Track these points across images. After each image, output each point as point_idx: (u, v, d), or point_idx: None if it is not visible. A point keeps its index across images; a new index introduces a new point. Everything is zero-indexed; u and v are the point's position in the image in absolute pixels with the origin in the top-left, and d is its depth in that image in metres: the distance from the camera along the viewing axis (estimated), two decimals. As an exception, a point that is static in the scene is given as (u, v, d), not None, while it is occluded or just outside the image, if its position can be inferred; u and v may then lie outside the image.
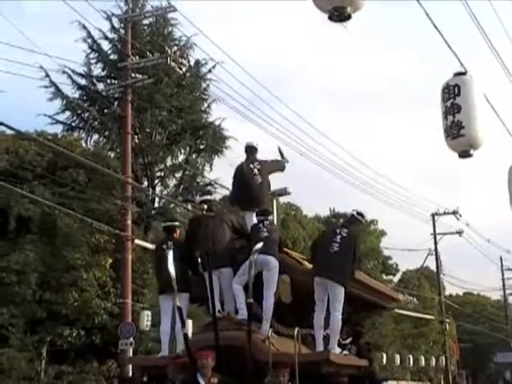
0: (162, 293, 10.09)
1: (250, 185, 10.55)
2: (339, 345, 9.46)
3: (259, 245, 9.00)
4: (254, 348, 8.63)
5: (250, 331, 8.63)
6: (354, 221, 9.94)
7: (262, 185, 10.63)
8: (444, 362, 41.19)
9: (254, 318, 8.91)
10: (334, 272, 9.09)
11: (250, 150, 11.00)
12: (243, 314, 9.16)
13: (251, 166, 10.68)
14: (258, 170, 10.63)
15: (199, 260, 9.28)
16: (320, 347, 9.12)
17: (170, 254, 9.16)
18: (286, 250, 10.40)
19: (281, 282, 9.47)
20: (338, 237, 9.33)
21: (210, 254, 9.07)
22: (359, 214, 9.91)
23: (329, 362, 8.57)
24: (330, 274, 9.09)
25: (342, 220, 10.28)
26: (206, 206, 10.03)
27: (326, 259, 9.22)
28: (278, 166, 11.36)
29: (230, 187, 11.66)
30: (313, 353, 9.07)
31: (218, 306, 9.25)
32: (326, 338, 9.25)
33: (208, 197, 11.42)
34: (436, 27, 7.93)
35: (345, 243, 9.30)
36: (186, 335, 9.11)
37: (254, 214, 10.18)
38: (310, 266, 9.95)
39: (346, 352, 9.86)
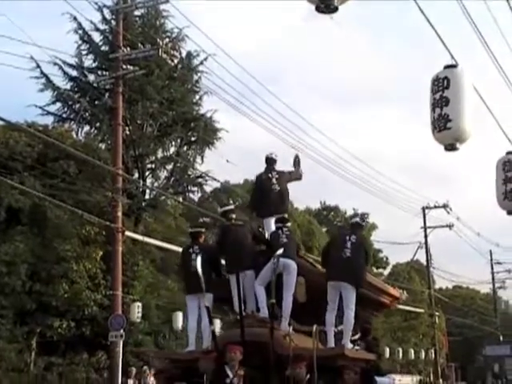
0: (188, 293, 10.68)
1: (269, 193, 11.34)
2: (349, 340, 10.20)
3: (280, 250, 9.85)
4: (275, 343, 9.41)
5: (272, 328, 9.43)
6: (358, 227, 10.89)
7: (280, 193, 11.40)
8: (433, 355, 41.39)
9: (273, 316, 9.70)
10: (348, 275, 9.89)
11: (269, 161, 11.68)
12: (264, 312, 10.00)
13: (270, 175, 11.44)
14: (277, 179, 11.40)
15: (226, 263, 10.41)
16: (331, 343, 9.90)
17: (199, 259, 9.98)
18: (301, 254, 11.21)
19: (297, 283, 10.26)
20: (349, 243, 10.11)
21: (237, 258, 10.14)
22: (362, 219, 10.98)
23: (343, 356, 9.41)
24: (344, 278, 9.89)
25: (347, 226, 11.00)
26: (234, 216, 11.05)
27: (340, 264, 10.01)
28: (295, 175, 12.13)
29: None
30: (329, 348, 9.81)
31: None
32: (337, 335, 10.02)
33: (231, 207, 12.11)
34: (429, 21, 7.93)
35: (355, 248, 10.10)
36: (213, 332, 9.89)
37: (272, 221, 10.97)
38: (322, 269, 10.75)
39: (357, 347, 10.60)
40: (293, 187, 11.90)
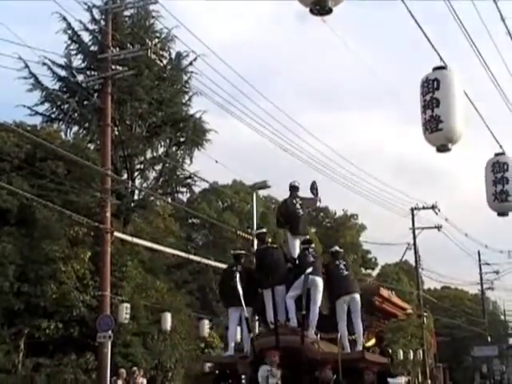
0: (230, 306, 12.39)
1: (294, 216, 13.06)
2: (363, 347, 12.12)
3: (310, 269, 11.58)
4: (306, 349, 11.02)
5: (303, 336, 11.04)
6: (340, 252, 12.93)
7: (303, 217, 13.25)
8: (421, 356, 41.45)
9: (300, 325, 11.43)
10: (353, 287, 12.14)
11: (293, 188, 13.45)
12: (294, 322, 11.69)
13: (294, 201, 13.19)
14: (300, 204, 13.15)
15: (262, 280, 12.03)
16: (348, 348, 11.67)
17: (238, 276, 11.88)
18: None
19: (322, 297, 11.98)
20: (342, 265, 12.27)
21: (273, 275, 11.72)
22: (340, 248, 13.15)
23: (364, 359, 11.21)
24: (351, 290, 12.03)
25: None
26: (270, 239, 13.01)
27: (343, 281, 12.08)
28: (313, 203, 14.16)
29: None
30: (352, 352, 11.56)
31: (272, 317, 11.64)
32: (352, 342, 11.91)
33: (264, 230, 13.74)
34: (417, 23, 7.93)
35: (347, 267, 12.39)
36: (252, 339, 11.57)
37: (297, 239, 12.91)
38: None
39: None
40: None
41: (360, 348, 11.72)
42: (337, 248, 13.11)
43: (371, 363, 11.37)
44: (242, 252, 13.39)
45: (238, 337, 13.32)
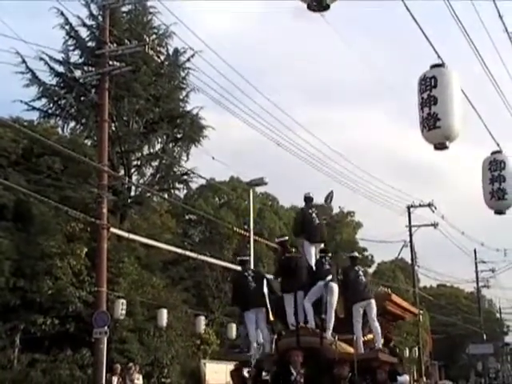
0: (246, 309, 13.27)
1: (310, 225, 14.02)
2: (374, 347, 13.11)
3: (330, 277, 12.68)
4: (324, 349, 12.04)
5: (322, 337, 12.12)
6: (357, 258, 14.06)
7: (319, 225, 14.24)
8: (417, 353, 41.54)
9: (318, 327, 12.49)
10: (369, 294, 13.01)
11: (308, 199, 14.44)
12: (312, 324, 12.60)
13: (310, 211, 14.12)
14: (316, 214, 14.07)
15: (283, 285, 13.03)
16: (361, 349, 12.53)
17: (252, 281, 13.11)
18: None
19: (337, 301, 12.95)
20: (360, 272, 13.24)
21: (294, 281, 12.73)
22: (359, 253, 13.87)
23: (377, 359, 12.35)
24: (367, 296, 12.92)
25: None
26: (294, 250, 13.66)
27: (360, 288, 12.94)
28: (328, 212, 15.91)
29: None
30: (366, 352, 12.57)
31: (293, 319, 12.62)
32: (364, 343, 12.83)
33: (286, 238, 14.52)
34: (415, 20, 7.94)
35: (365, 274, 13.48)
36: (275, 340, 12.82)
37: (313, 246, 13.84)
38: None
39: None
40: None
41: (380, 347, 12.86)
42: (356, 254, 14.24)
43: (383, 363, 12.47)
44: (248, 258, 15.28)
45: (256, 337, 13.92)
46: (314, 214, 14.11)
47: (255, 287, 13.14)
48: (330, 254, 13.78)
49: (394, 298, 15.15)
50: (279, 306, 13.06)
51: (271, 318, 13.01)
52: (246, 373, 13.13)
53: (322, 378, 11.91)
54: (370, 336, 13.18)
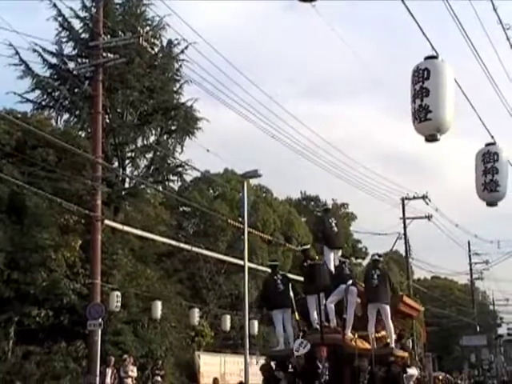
0: (274, 309, 15.08)
1: (330, 233, 15.76)
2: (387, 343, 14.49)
3: (350, 281, 14.29)
4: (346, 345, 13.67)
5: (343, 334, 13.86)
6: (378, 261, 14.99)
7: (338, 232, 16.14)
8: (411, 345, 41.62)
9: (338, 325, 14.25)
10: (380, 297, 14.19)
11: (327, 210, 16.99)
12: (333, 323, 14.38)
13: (330, 220, 15.86)
14: (335, 223, 15.89)
15: (307, 287, 14.77)
16: (374, 344, 13.88)
17: (281, 284, 14.87)
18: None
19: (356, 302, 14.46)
20: (375, 275, 14.35)
21: (318, 285, 14.26)
22: (379, 256, 15.34)
23: (392, 354, 13.87)
24: (378, 300, 14.18)
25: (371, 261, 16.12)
26: (317, 258, 15.44)
27: (371, 291, 14.29)
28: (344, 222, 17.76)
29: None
30: (383, 348, 14.04)
31: (317, 319, 14.24)
32: (376, 339, 14.25)
33: (308, 246, 16.28)
34: (410, 12, 7.94)
35: (380, 278, 14.33)
36: (303, 337, 14.12)
37: (332, 252, 15.53)
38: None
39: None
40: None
41: (393, 344, 14.20)
42: (377, 257, 15.18)
43: (397, 357, 13.99)
44: (277, 263, 17.00)
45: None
46: (333, 223, 15.80)
47: (283, 290, 14.80)
48: (348, 261, 15.42)
49: (406, 299, 16.69)
50: (303, 306, 14.70)
51: (297, 317, 14.81)
52: (274, 365, 14.66)
53: (345, 371, 13.56)
54: (382, 333, 14.55)
